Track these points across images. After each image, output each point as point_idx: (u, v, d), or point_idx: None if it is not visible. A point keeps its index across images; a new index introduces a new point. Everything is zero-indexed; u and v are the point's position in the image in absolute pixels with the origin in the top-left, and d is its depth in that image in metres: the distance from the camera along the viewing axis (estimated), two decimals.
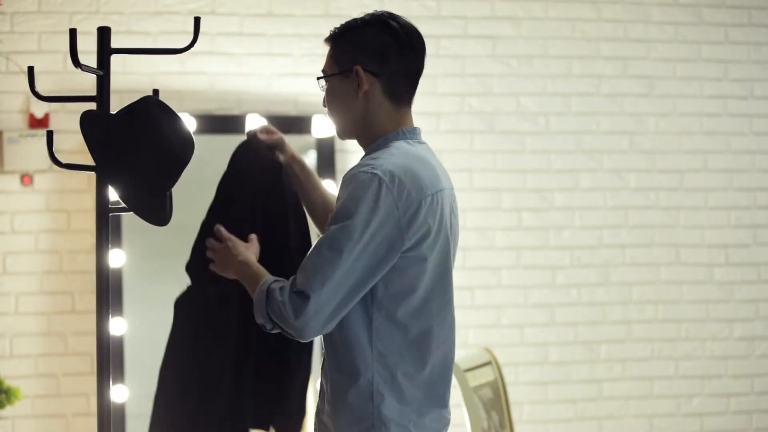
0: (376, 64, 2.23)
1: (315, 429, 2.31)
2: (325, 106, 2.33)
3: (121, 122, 2.13)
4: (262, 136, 2.50)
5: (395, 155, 2.18)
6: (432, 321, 2.22)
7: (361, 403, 2.17)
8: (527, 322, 4.36)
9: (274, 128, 2.54)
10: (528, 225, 4.37)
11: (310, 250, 2.17)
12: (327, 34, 2.30)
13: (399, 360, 2.18)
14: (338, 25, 2.29)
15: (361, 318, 2.17)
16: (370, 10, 2.31)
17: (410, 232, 2.13)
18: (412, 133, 2.28)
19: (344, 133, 2.32)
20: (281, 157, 2.51)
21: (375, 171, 2.12)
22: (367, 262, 2.10)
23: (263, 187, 2.51)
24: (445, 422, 2.27)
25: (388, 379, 2.17)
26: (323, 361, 2.28)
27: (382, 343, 2.17)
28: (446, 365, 2.26)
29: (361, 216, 2.09)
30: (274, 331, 2.18)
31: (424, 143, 2.29)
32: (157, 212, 2.15)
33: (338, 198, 2.17)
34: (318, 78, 2.31)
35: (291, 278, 2.15)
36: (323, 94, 2.32)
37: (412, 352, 2.19)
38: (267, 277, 2.23)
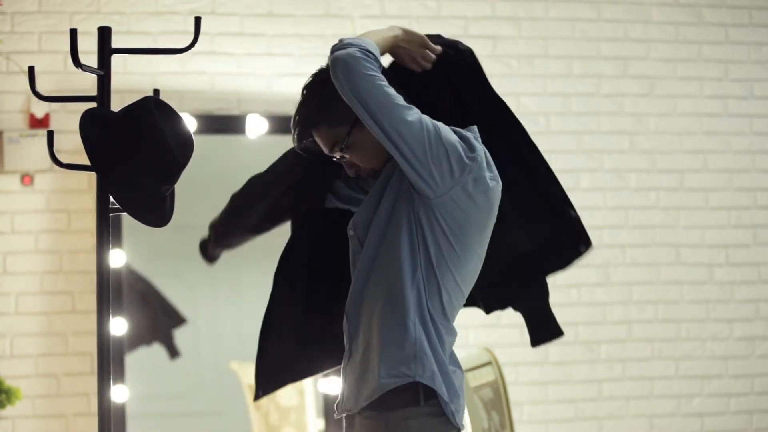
0: None
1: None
2: (362, 176, 2.31)
3: (121, 122, 2.13)
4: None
5: None
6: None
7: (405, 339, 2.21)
8: None
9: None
10: None
11: None
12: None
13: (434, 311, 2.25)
14: (297, 116, 2.28)
15: (409, 269, 2.21)
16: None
17: (473, 173, 2.23)
18: None
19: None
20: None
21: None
22: (429, 130, 2.17)
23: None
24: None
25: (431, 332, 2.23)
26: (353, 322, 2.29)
27: (428, 298, 2.24)
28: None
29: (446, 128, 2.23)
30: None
31: None
32: (155, 213, 2.14)
33: None
34: (341, 155, 2.26)
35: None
36: (351, 166, 2.30)
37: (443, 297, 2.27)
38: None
